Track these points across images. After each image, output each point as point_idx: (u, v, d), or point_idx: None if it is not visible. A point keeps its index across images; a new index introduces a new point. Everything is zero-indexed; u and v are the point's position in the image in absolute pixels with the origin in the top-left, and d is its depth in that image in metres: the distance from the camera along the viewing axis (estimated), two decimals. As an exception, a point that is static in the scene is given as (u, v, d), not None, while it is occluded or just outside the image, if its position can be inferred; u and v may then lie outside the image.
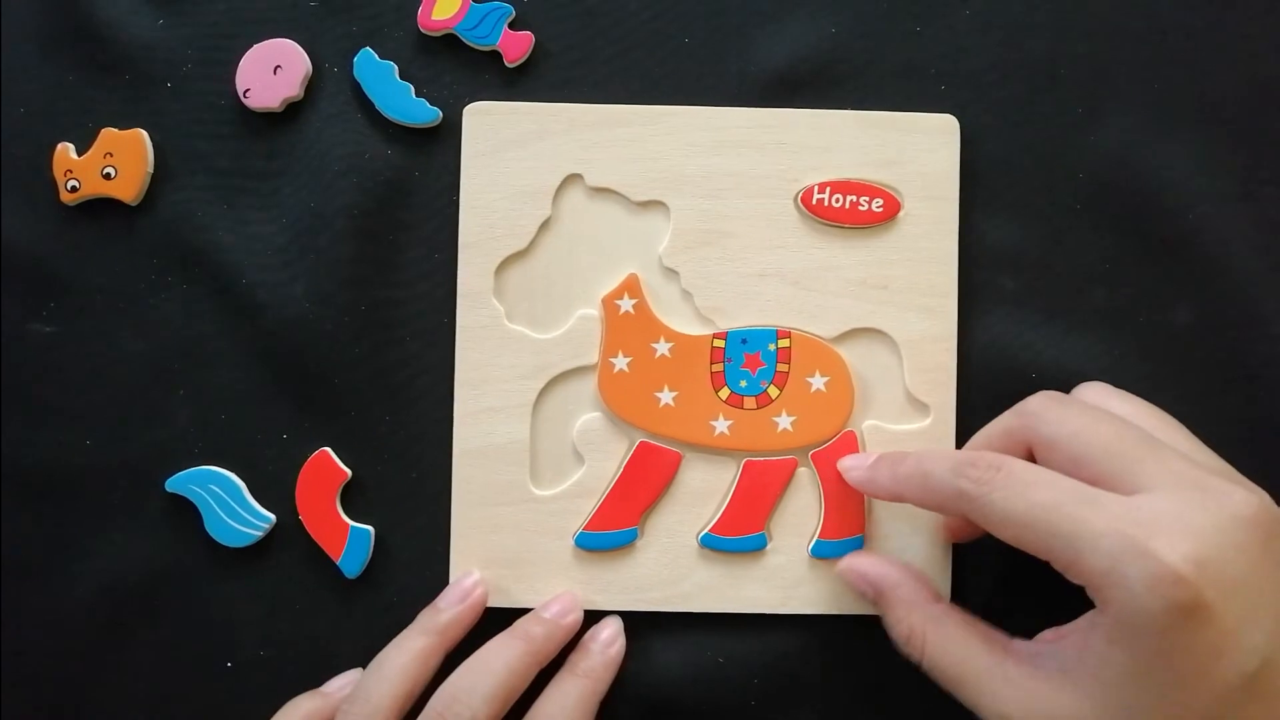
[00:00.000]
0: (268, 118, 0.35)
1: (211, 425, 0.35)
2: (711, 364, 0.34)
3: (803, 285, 0.34)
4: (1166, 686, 0.26)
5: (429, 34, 0.35)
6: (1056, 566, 0.27)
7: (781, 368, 0.34)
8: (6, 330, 0.36)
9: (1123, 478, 0.27)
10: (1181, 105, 0.35)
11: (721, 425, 0.34)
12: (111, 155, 0.35)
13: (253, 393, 0.35)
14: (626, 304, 0.34)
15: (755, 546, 0.34)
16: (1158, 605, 0.25)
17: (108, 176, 0.35)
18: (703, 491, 0.34)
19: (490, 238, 0.34)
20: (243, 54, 0.35)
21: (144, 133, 0.35)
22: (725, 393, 0.34)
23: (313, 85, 0.35)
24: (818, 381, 0.34)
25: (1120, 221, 0.35)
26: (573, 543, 0.34)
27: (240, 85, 0.35)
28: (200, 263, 0.35)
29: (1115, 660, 0.26)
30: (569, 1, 0.35)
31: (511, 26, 0.35)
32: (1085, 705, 0.26)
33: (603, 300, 0.34)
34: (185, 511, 0.35)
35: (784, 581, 0.34)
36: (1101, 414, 0.29)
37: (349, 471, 0.35)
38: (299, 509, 0.35)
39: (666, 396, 0.34)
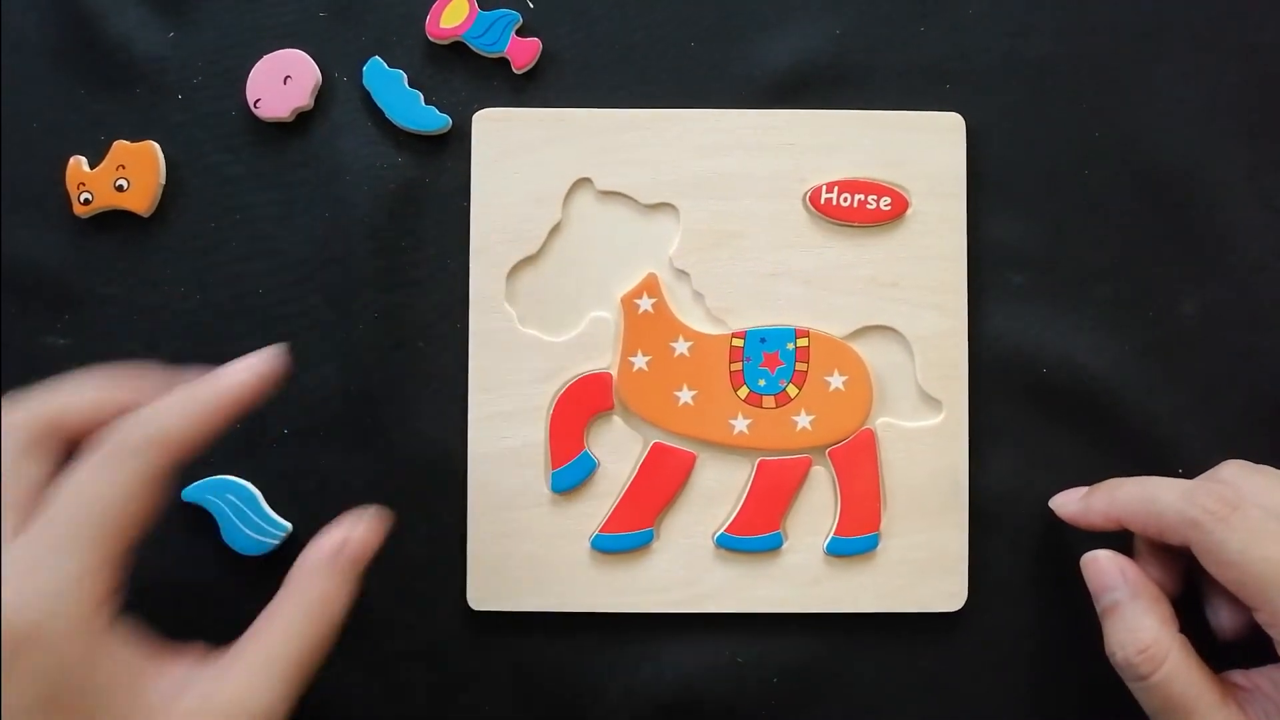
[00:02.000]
0: (279, 128, 0.36)
1: (226, 434, 0.35)
2: (730, 363, 0.34)
3: (813, 284, 0.35)
4: None
5: (437, 42, 0.36)
6: (1263, 617, 0.28)
7: (800, 367, 0.34)
8: (20, 343, 0.36)
9: None
10: (1186, 101, 0.36)
11: (741, 424, 0.34)
12: (124, 167, 0.35)
13: (266, 403, 0.35)
14: (646, 303, 0.34)
15: (771, 546, 0.34)
16: None
17: (120, 189, 0.35)
18: (718, 492, 0.34)
19: (501, 243, 0.35)
20: (253, 65, 0.35)
21: (156, 145, 0.35)
22: (744, 392, 0.34)
23: (323, 95, 0.36)
24: (836, 380, 0.34)
25: (1126, 216, 0.36)
26: (589, 545, 0.34)
27: (251, 96, 0.35)
28: (213, 273, 0.36)
29: None
30: (576, 8, 0.36)
31: (519, 33, 0.35)
32: None
33: (622, 300, 0.34)
34: (201, 521, 0.35)
35: (801, 580, 0.34)
36: (1268, 537, 0.29)
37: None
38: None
39: (686, 395, 0.34)
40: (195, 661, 0.27)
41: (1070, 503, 0.33)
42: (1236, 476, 0.31)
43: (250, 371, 0.29)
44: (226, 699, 0.26)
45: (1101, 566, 0.32)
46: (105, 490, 0.26)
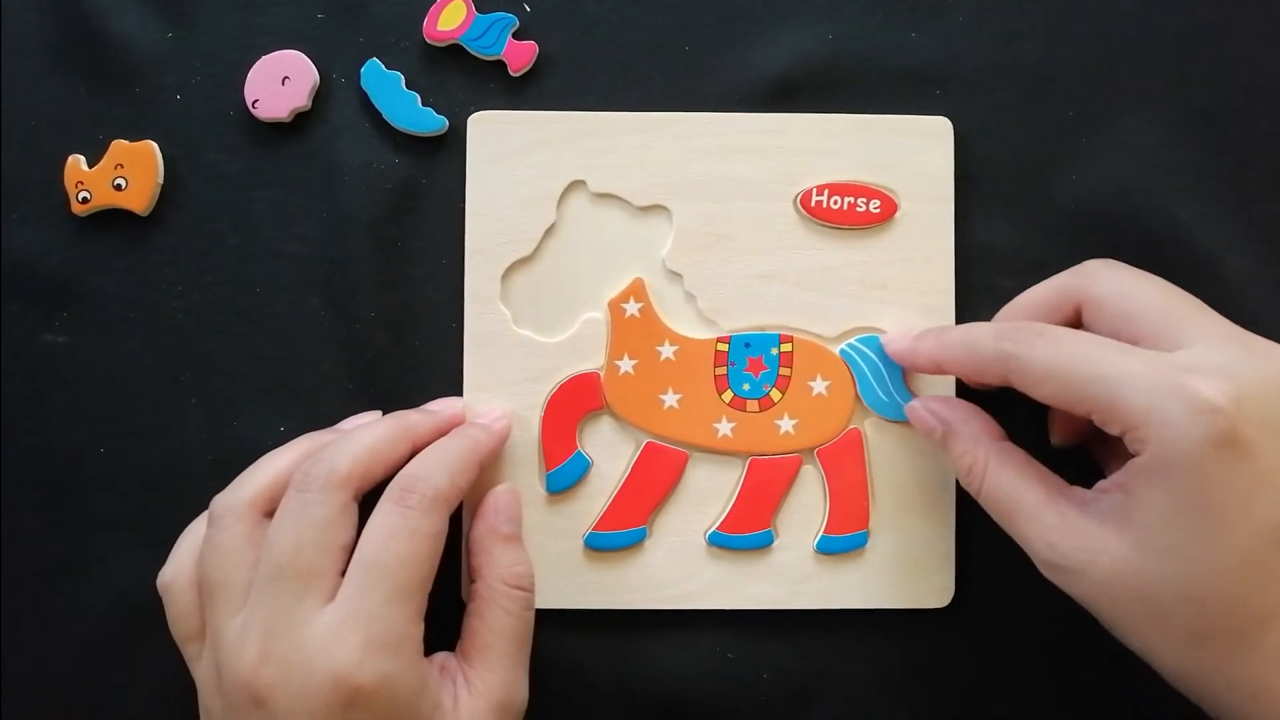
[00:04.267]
0: (277, 128, 0.36)
1: (224, 434, 0.36)
2: (715, 367, 0.35)
3: (803, 286, 0.35)
4: (1206, 526, 0.26)
5: (435, 44, 0.36)
6: (1096, 419, 0.28)
7: (784, 371, 0.35)
8: (19, 340, 0.36)
9: (1167, 335, 0.28)
10: (1172, 109, 0.36)
11: (725, 428, 0.35)
12: (122, 166, 0.35)
13: (264, 401, 0.36)
14: (632, 307, 0.35)
15: (762, 544, 0.35)
16: (1195, 434, 0.25)
17: (119, 188, 0.35)
18: (709, 490, 0.35)
19: (496, 244, 0.35)
20: (251, 66, 0.36)
21: (154, 144, 0.36)
22: (728, 396, 0.35)
23: (321, 96, 0.36)
24: (819, 385, 0.35)
25: (1112, 223, 0.36)
26: (582, 543, 0.35)
27: (249, 96, 0.36)
28: (211, 272, 0.36)
29: (1155, 501, 0.26)
30: (572, 11, 0.36)
31: (516, 36, 0.36)
32: (1127, 548, 0.27)
33: (609, 304, 0.35)
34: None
35: (791, 577, 0.35)
36: (1152, 277, 0.30)
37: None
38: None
39: (671, 399, 0.35)
40: (445, 666, 0.31)
41: (898, 340, 0.34)
42: (1095, 269, 0.31)
43: (504, 425, 0.34)
44: (500, 696, 0.31)
45: (916, 414, 0.33)
46: (411, 544, 0.29)
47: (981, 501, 0.31)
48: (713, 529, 0.35)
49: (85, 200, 0.36)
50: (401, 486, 0.30)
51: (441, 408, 0.34)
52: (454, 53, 0.36)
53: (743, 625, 0.35)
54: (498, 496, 0.33)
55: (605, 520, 0.35)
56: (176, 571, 0.31)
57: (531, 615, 0.32)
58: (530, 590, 0.32)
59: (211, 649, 0.29)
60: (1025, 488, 0.30)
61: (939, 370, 0.33)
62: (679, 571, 0.35)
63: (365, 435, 0.31)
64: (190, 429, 0.36)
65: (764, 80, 0.36)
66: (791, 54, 0.36)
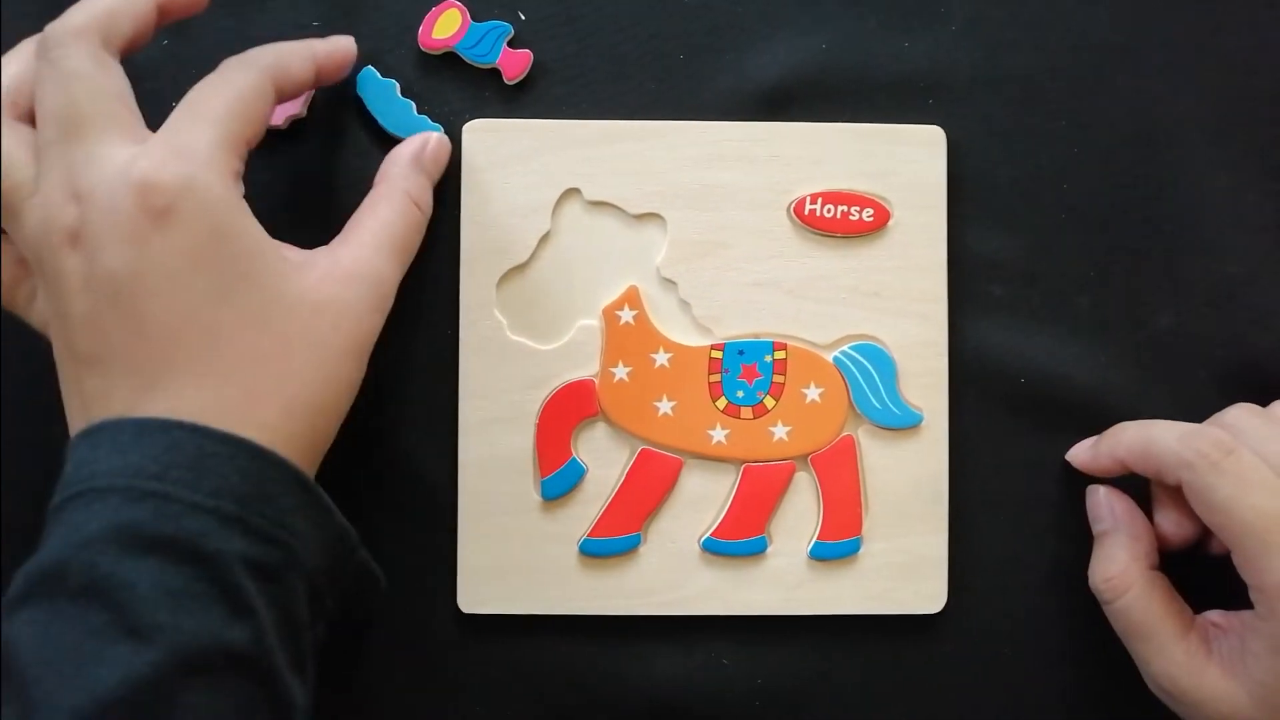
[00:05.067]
0: (272, 135, 0.36)
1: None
2: (709, 375, 0.35)
3: (797, 293, 0.35)
4: None
5: (430, 53, 0.36)
6: (1239, 562, 0.30)
7: (778, 379, 0.35)
8: (22, 342, 0.36)
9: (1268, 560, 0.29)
10: (1163, 114, 0.36)
11: (719, 434, 0.35)
12: (118, 175, 0.35)
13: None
14: (627, 315, 0.35)
15: (756, 550, 0.35)
16: None
17: (114, 196, 0.35)
18: (703, 497, 0.35)
19: (491, 251, 0.35)
20: (246, 74, 0.36)
21: (149, 152, 0.36)
22: (722, 403, 0.35)
23: (316, 103, 0.36)
24: (812, 393, 0.35)
25: (1105, 229, 0.36)
26: (577, 549, 0.35)
27: (244, 105, 0.36)
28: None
29: (1273, 666, 0.29)
30: (567, 20, 0.36)
31: (510, 45, 0.36)
32: (1244, 697, 0.29)
33: (603, 311, 0.35)
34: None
35: (785, 584, 0.35)
36: (1267, 488, 0.30)
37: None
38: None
39: (665, 406, 0.35)
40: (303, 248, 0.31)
41: (1082, 452, 0.35)
42: (1240, 420, 0.32)
43: (348, 47, 0.34)
44: (349, 264, 0.30)
45: (1097, 499, 0.34)
46: (234, 85, 0.29)
47: (1111, 611, 0.33)
48: (707, 535, 0.35)
49: (81, 208, 0.36)
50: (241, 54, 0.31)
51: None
52: (449, 61, 0.36)
53: (737, 631, 0.35)
54: (430, 138, 0.34)
55: (600, 527, 0.35)
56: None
57: (415, 240, 0.33)
58: (425, 216, 0.33)
59: (30, 224, 0.28)
60: (1163, 619, 0.31)
61: (1122, 472, 0.34)
62: (673, 578, 0.35)
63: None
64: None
65: (758, 89, 0.36)
66: (785, 63, 0.36)
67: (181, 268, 0.27)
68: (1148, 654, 0.31)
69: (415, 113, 0.36)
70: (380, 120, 0.36)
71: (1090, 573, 0.34)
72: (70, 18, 0.29)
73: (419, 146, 0.34)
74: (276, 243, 0.30)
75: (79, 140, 0.28)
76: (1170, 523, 0.33)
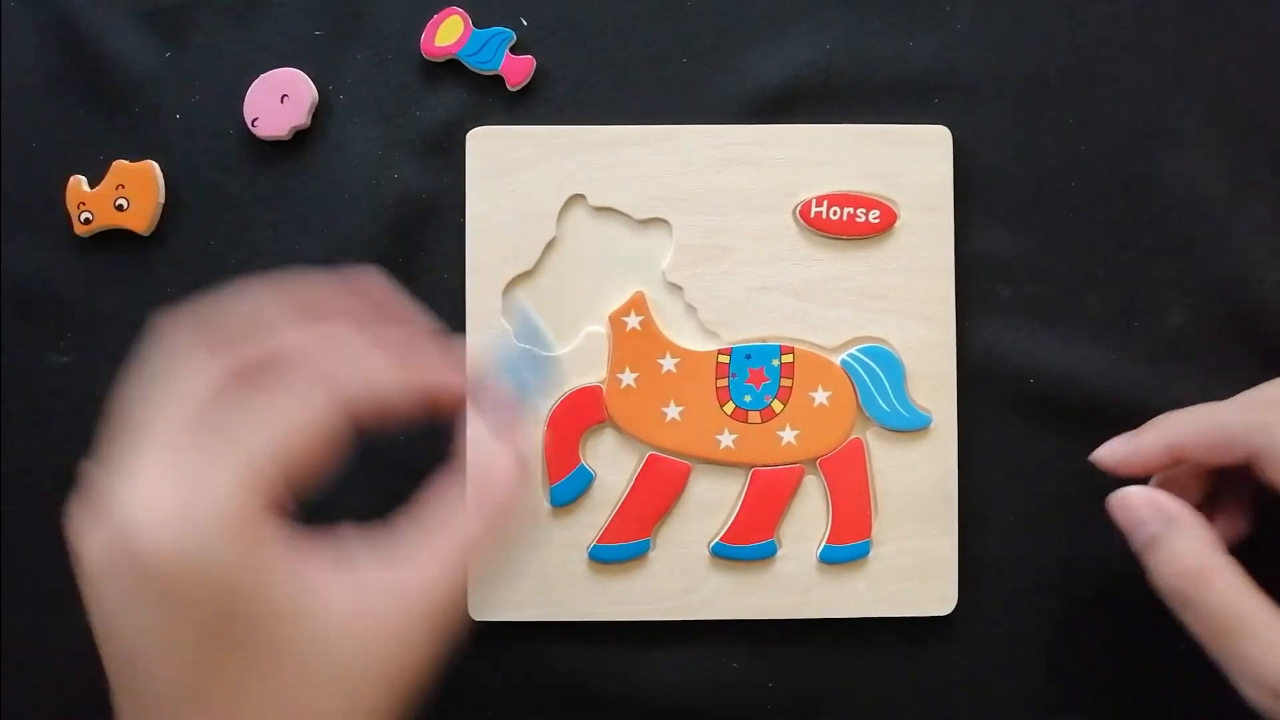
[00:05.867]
0: (276, 146, 0.36)
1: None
2: (717, 379, 0.35)
3: (803, 297, 0.35)
4: None
5: (432, 60, 0.36)
6: None
7: (785, 383, 0.35)
8: (23, 361, 0.36)
9: None
10: (1168, 114, 0.36)
11: (727, 439, 0.35)
12: (123, 187, 0.36)
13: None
14: (633, 321, 0.35)
15: (765, 554, 0.35)
16: None
17: (120, 208, 0.36)
18: (712, 502, 0.35)
19: (497, 258, 0.35)
20: (250, 84, 0.36)
21: (155, 164, 0.36)
22: (730, 407, 0.35)
23: (320, 113, 0.36)
24: (820, 396, 0.35)
25: (1112, 228, 0.36)
26: (587, 556, 0.35)
27: (248, 114, 0.36)
28: (213, 290, 0.36)
29: None
30: (569, 26, 0.36)
31: (513, 51, 0.36)
32: None
33: (610, 318, 0.35)
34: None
35: (795, 587, 0.35)
36: None
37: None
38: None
39: (673, 411, 0.35)
40: (352, 545, 0.24)
41: (1119, 446, 0.32)
42: None
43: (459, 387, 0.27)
44: (417, 592, 0.24)
45: (1132, 503, 0.30)
46: (290, 411, 0.24)
47: (1189, 613, 0.28)
48: (716, 540, 0.35)
49: (88, 221, 0.36)
50: (316, 366, 0.25)
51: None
52: (452, 68, 0.36)
53: (748, 635, 0.35)
54: (499, 464, 0.27)
55: (609, 533, 0.35)
56: None
57: (511, 526, 0.26)
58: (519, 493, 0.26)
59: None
60: (1253, 601, 0.28)
61: (1174, 462, 0.31)
62: (683, 583, 0.35)
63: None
64: (195, 447, 0.36)
65: (762, 92, 0.36)
66: (789, 65, 0.36)
67: (184, 644, 0.22)
68: (1244, 646, 0.27)
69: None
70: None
71: (1159, 575, 0.29)
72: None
73: (516, 452, 0.27)
74: (318, 584, 0.23)
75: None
76: (1225, 518, 0.31)
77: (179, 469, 0.22)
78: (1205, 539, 0.29)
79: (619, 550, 0.35)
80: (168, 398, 0.24)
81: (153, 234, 0.36)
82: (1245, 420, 0.29)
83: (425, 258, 0.36)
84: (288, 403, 0.24)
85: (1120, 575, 0.34)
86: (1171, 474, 0.32)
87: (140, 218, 0.36)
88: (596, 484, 0.35)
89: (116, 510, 0.22)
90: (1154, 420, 0.32)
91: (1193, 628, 0.28)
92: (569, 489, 0.35)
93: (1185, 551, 0.29)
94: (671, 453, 0.35)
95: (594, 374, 0.35)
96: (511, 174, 0.35)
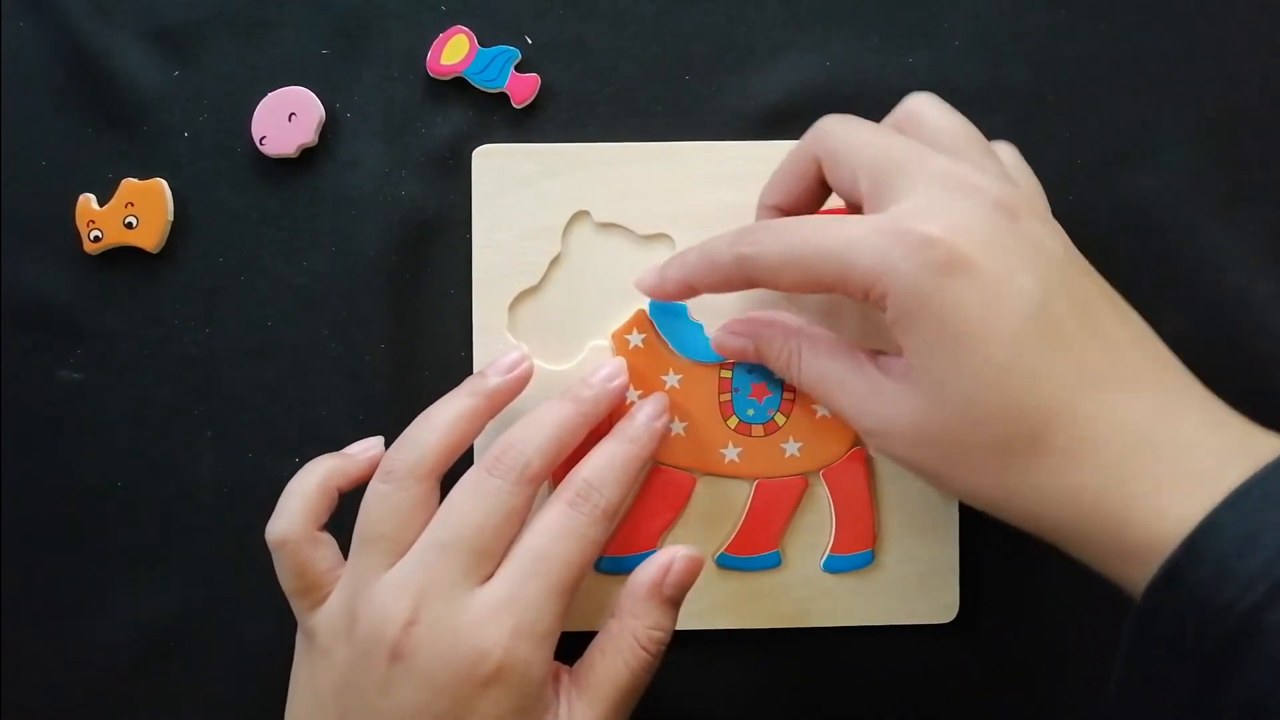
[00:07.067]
0: (284, 164, 0.36)
1: (237, 466, 0.36)
2: (720, 394, 0.35)
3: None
4: (958, 349, 0.26)
5: (438, 78, 0.36)
6: (840, 291, 0.28)
7: (787, 396, 0.35)
8: (34, 378, 0.36)
9: (889, 187, 0.28)
10: (1163, 127, 0.37)
11: (731, 453, 0.35)
12: (132, 205, 0.36)
13: (277, 434, 0.36)
14: (636, 338, 0.35)
15: (770, 564, 0.35)
16: (918, 268, 0.26)
17: (129, 226, 0.36)
18: (717, 512, 0.36)
19: (503, 275, 0.36)
20: (257, 102, 0.36)
21: (164, 182, 0.36)
22: (734, 421, 0.35)
23: (327, 131, 0.36)
24: (823, 408, 0.35)
25: (1107, 239, 0.37)
26: (594, 567, 0.35)
27: (256, 133, 0.36)
28: (222, 307, 0.36)
29: (915, 345, 0.27)
30: (574, 44, 0.37)
31: (518, 69, 0.36)
32: (917, 396, 0.28)
33: (612, 335, 0.35)
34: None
35: (799, 596, 0.35)
36: (882, 130, 0.30)
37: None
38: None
39: (677, 427, 0.35)
40: (558, 676, 0.31)
41: (646, 276, 0.33)
42: (830, 125, 0.31)
43: (663, 423, 0.34)
44: None
45: (724, 343, 0.34)
46: (577, 549, 0.30)
47: (802, 386, 0.32)
48: (721, 550, 0.35)
49: (97, 239, 0.36)
50: (578, 492, 0.31)
51: (590, 407, 0.33)
52: (457, 86, 0.37)
53: (752, 645, 0.36)
54: (677, 559, 0.31)
55: (616, 544, 0.35)
56: (290, 526, 0.31)
57: (649, 677, 0.31)
58: (658, 657, 0.31)
59: (350, 596, 0.30)
60: (835, 361, 0.30)
61: (691, 292, 0.32)
62: (689, 592, 0.35)
63: (550, 427, 0.31)
64: (204, 462, 0.36)
65: (763, 108, 0.37)
66: (789, 81, 0.37)
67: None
68: (840, 400, 0.30)
69: (704, 333, 0.35)
70: (670, 341, 0.35)
71: (785, 370, 0.32)
72: (530, 454, 0.31)
73: (660, 572, 0.31)
74: (550, 699, 0.30)
75: (454, 563, 0.29)
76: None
77: (513, 594, 0.29)
78: (786, 330, 0.32)
79: (626, 561, 0.35)
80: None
81: (161, 251, 0.36)
82: (733, 254, 0.30)
83: (432, 274, 0.36)
84: (583, 532, 0.30)
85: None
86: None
87: (149, 235, 0.36)
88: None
89: (461, 621, 0.29)
90: (681, 252, 0.32)
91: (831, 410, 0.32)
92: None
93: (778, 351, 0.32)
94: (676, 467, 0.35)
95: (600, 388, 0.35)
96: (517, 190, 0.36)
